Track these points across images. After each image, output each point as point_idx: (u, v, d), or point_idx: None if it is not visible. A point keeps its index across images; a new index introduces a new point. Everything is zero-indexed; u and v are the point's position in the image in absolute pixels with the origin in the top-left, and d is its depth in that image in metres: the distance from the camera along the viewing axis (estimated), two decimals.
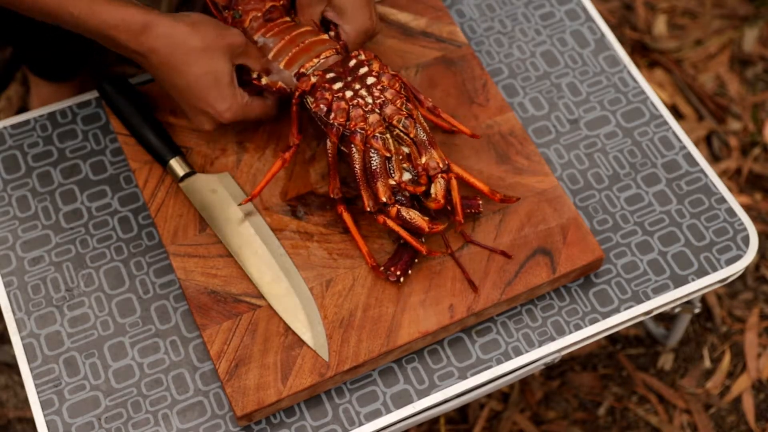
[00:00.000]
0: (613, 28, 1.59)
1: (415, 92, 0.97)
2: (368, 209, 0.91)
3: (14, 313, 0.95)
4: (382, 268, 0.93)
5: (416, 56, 1.07)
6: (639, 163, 1.04)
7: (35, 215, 1.00)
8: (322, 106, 0.92)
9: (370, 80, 0.93)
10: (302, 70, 0.94)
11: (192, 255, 0.95)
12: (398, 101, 0.92)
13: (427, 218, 0.91)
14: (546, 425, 1.28)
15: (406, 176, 0.91)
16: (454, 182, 0.92)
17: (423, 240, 0.94)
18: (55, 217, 1.00)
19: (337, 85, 0.93)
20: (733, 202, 1.02)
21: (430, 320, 0.92)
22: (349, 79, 0.93)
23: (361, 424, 0.91)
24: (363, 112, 0.92)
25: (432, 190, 0.91)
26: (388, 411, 0.91)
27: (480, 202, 0.96)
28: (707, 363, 1.34)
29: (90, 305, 0.96)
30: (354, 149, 0.91)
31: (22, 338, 0.94)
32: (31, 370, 0.93)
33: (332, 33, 0.98)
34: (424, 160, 0.91)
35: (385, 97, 0.93)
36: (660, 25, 1.62)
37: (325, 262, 0.95)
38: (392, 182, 0.91)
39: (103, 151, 1.04)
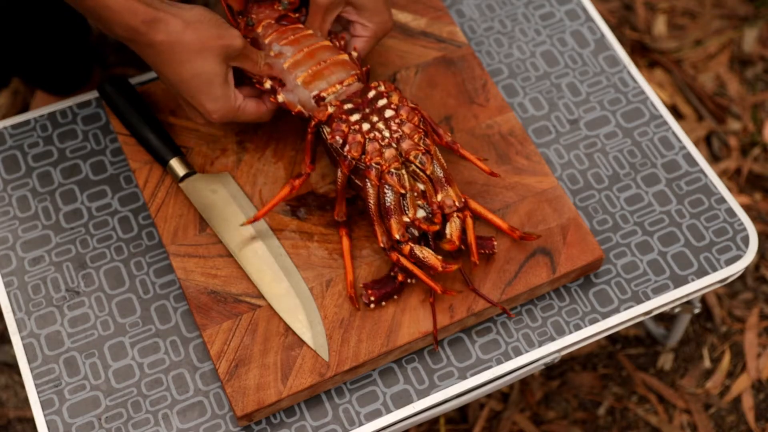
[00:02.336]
0: (613, 28, 1.59)
1: (434, 126, 0.95)
2: (381, 245, 0.90)
3: (14, 313, 0.95)
4: (362, 285, 0.92)
5: (416, 56, 1.07)
6: (639, 163, 1.04)
7: (35, 215, 1.00)
8: (338, 138, 0.91)
9: (389, 113, 0.92)
10: (323, 94, 0.93)
11: (192, 255, 0.95)
12: (416, 136, 0.91)
13: (440, 257, 0.89)
14: (546, 425, 1.29)
15: (421, 213, 0.90)
16: (469, 221, 0.90)
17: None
18: (56, 217, 1.00)
19: (354, 117, 0.92)
20: (733, 202, 1.02)
21: (430, 320, 0.92)
22: (368, 111, 0.92)
23: (361, 424, 0.91)
24: (379, 146, 0.90)
25: (447, 231, 0.90)
26: (388, 411, 0.91)
27: (495, 242, 0.94)
28: (707, 363, 1.34)
29: (90, 305, 0.96)
30: (368, 184, 0.90)
31: (22, 338, 0.94)
32: (32, 370, 0.93)
33: (342, 42, 0.97)
34: (440, 197, 0.90)
35: (402, 131, 0.91)
36: (660, 25, 1.62)
37: (325, 262, 0.95)
38: (406, 219, 0.89)
39: (103, 151, 1.04)
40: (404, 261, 0.89)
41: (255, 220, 0.94)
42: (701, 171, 1.04)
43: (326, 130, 0.92)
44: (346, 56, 0.95)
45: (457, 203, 0.90)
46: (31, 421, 1.29)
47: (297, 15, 0.99)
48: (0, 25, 1.13)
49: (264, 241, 0.95)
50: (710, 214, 1.02)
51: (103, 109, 1.07)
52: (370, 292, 0.91)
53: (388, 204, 0.89)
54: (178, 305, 0.96)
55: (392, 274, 0.92)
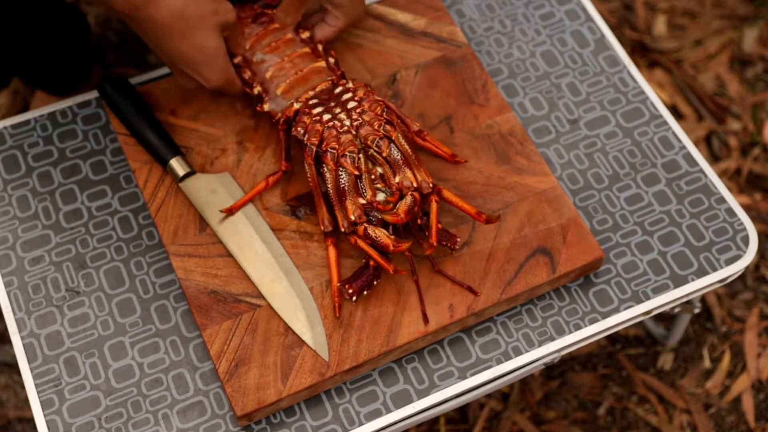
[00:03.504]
0: (613, 28, 1.59)
1: (402, 116, 0.97)
2: (343, 229, 0.91)
3: (14, 313, 0.95)
4: (339, 284, 0.92)
5: (416, 56, 1.07)
6: (639, 163, 1.04)
7: (35, 215, 1.00)
8: (300, 129, 0.94)
9: (351, 104, 0.95)
10: (299, 101, 0.96)
11: (192, 255, 0.95)
12: (376, 123, 0.93)
13: (393, 237, 0.90)
14: (546, 425, 1.29)
15: (380, 196, 0.91)
16: (434, 205, 0.91)
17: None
18: (56, 217, 1.00)
19: (317, 110, 0.94)
20: (733, 202, 1.02)
21: (430, 320, 0.92)
22: (332, 104, 0.95)
23: (361, 424, 0.91)
24: (336, 133, 0.92)
25: (397, 205, 0.91)
26: (388, 411, 0.91)
27: (458, 240, 0.93)
28: (707, 363, 1.34)
29: (90, 305, 0.96)
30: (325, 169, 0.91)
31: (22, 338, 0.94)
32: (31, 370, 0.93)
33: (307, 33, 1.00)
34: (397, 179, 0.91)
35: (362, 119, 0.93)
36: (660, 25, 1.62)
37: (325, 262, 0.95)
38: (363, 201, 0.90)
39: (103, 151, 1.04)
40: (361, 243, 0.91)
41: (230, 211, 0.96)
42: (701, 171, 1.04)
43: (294, 126, 0.95)
44: (323, 63, 0.98)
45: (414, 184, 0.91)
46: (31, 421, 1.29)
47: (272, 11, 1.01)
48: (2, 23, 1.13)
49: (264, 241, 0.95)
50: (710, 214, 1.02)
51: (103, 109, 1.07)
52: (347, 287, 0.91)
53: (342, 185, 0.91)
54: (178, 305, 0.96)
55: (365, 261, 0.93)
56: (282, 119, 0.96)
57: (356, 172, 0.91)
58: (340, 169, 0.91)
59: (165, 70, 1.10)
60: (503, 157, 1.01)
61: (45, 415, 0.90)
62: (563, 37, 1.13)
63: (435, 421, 1.28)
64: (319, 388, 0.91)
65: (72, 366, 0.93)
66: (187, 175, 0.98)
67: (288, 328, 0.92)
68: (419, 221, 0.93)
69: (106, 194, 1.02)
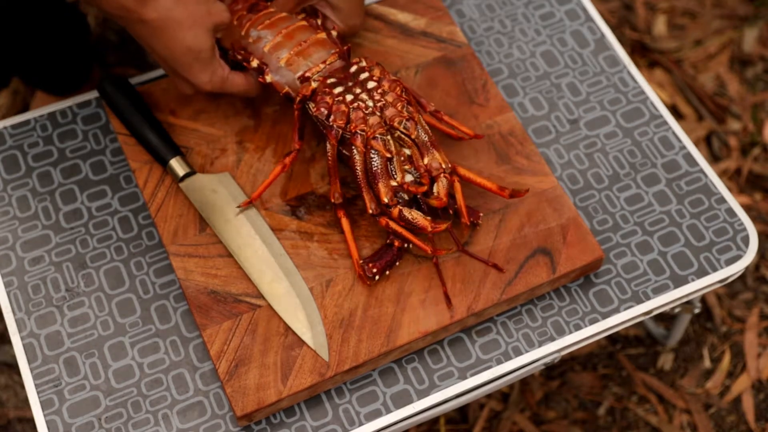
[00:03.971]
0: (613, 28, 1.59)
1: (417, 96, 0.97)
2: (370, 211, 0.91)
3: (14, 313, 0.95)
4: (361, 261, 0.93)
5: (416, 56, 1.07)
6: (639, 163, 1.04)
7: (35, 215, 1.00)
8: (322, 109, 0.93)
9: (371, 84, 0.94)
10: (307, 74, 0.95)
11: (192, 255, 0.95)
12: (399, 104, 0.93)
13: (429, 218, 0.90)
14: (546, 425, 1.29)
15: (409, 178, 0.91)
16: (457, 185, 0.92)
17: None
18: (55, 217, 1.00)
19: (338, 90, 0.94)
20: (733, 202, 1.02)
21: (430, 320, 0.92)
22: (350, 84, 0.94)
23: (361, 424, 0.91)
24: (363, 115, 0.92)
25: (434, 189, 0.91)
26: (388, 411, 0.91)
27: (481, 214, 0.95)
28: (707, 363, 1.34)
29: (90, 305, 0.96)
30: (355, 151, 0.91)
31: (22, 338, 0.94)
32: (31, 370, 0.93)
33: (319, 21, 1.00)
34: (426, 161, 0.91)
35: (385, 100, 0.93)
36: (660, 25, 1.62)
37: (325, 262, 0.95)
38: (394, 184, 0.90)
39: (103, 151, 1.04)
40: (393, 225, 0.91)
41: (250, 201, 0.96)
42: (701, 171, 1.04)
43: (311, 105, 0.94)
44: (323, 35, 0.98)
45: (443, 166, 0.91)
46: (31, 421, 1.29)
47: (268, 3, 1.01)
48: (2, 23, 1.13)
49: (264, 241, 0.95)
50: (710, 214, 1.02)
51: (103, 109, 1.07)
52: (371, 265, 0.92)
53: (375, 169, 0.90)
54: (178, 305, 0.96)
55: (388, 242, 0.93)
56: (298, 98, 0.95)
57: (388, 155, 0.91)
58: (372, 152, 0.91)
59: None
60: (503, 157, 1.01)
61: (45, 415, 0.90)
62: (563, 37, 1.13)
63: (435, 421, 1.28)
64: (319, 389, 0.91)
65: (72, 366, 0.93)
66: (187, 175, 0.98)
67: (288, 328, 0.92)
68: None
69: (106, 194, 1.02)
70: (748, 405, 1.31)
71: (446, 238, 0.96)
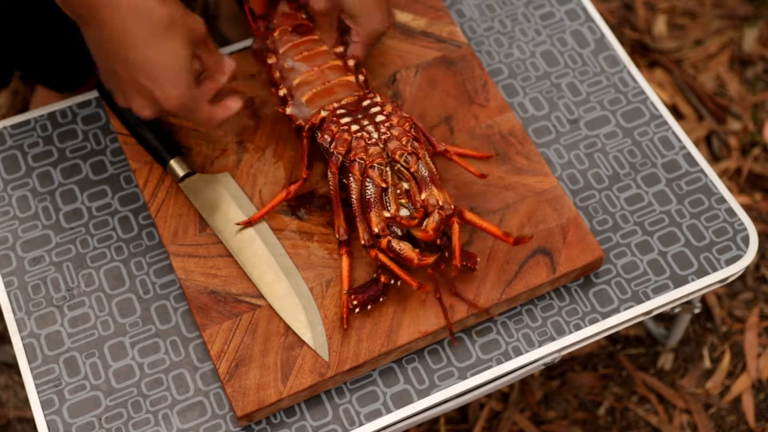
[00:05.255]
0: (613, 28, 1.59)
1: (427, 134, 0.96)
2: (363, 242, 0.90)
3: (14, 313, 0.95)
4: (347, 291, 0.91)
5: (416, 56, 1.07)
6: (639, 163, 1.04)
7: (35, 215, 1.00)
8: (326, 137, 0.93)
9: (379, 118, 0.94)
10: (322, 112, 0.95)
11: (192, 255, 0.95)
12: (404, 138, 0.92)
13: (417, 250, 0.89)
14: (546, 425, 1.29)
15: (404, 212, 0.90)
16: (456, 227, 0.90)
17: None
18: (56, 217, 1.00)
19: (345, 120, 0.93)
20: (733, 202, 1.02)
21: (430, 320, 0.92)
22: (360, 115, 0.94)
23: (361, 424, 0.91)
24: (365, 144, 0.92)
25: (424, 222, 0.90)
26: (388, 411, 0.91)
27: (478, 259, 0.93)
28: (707, 363, 1.34)
29: (90, 305, 0.96)
30: (352, 179, 0.91)
31: (22, 338, 0.94)
32: (32, 370, 0.93)
33: (341, 49, 0.99)
34: (423, 196, 0.90)
35: (391, 133, 0.93)
36: (660, 25, 1.62)
37: (325, 262, 0.95)
38: (387, 215, 0.89)
39: (103, 151, 1.04)
40: (382, 257, 0.89)
41: (251, 223, 0.95)
42: (701, 171, 1.04)
43: (318, 133, 0.94)
44: (352, 78, 0.97)
45: (440, 203, 0.90)
46: (31, 421, 1.29)
47: (312, 25, 1.00)
48: (3, 19, 1.13)
49: (264, 241, 0.95)
50: (710, 214, 1.02)
51: (103, 109, 1.07)
52: (353, 297, 0.91)
53: (368, 197, 0.90)
54: (178, 305, 0.96)
55: (375, 276, 0.92)
56: (307, 126, 0.95)
57: (383, 185, 0.90)
58: (367, 180, 0.90)
59: None
60: (503, 157, 1.01)
61: (45, 415, 0.90)
62: (563, 37, 1.13)
63: (435, 421, 1.28)
64: (320, 389, 0.91)
65: (72, 366, 0.93)
66: (186, 176, 0.98)
67: (288, 328, 0.92)
68: (439, 241, 0.92)
69: (106, 194, 1.02)
70: (748, 405, 1.31)
71: (460, 278, 0.95)
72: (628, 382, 1.32)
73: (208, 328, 0.92)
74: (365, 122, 0.94)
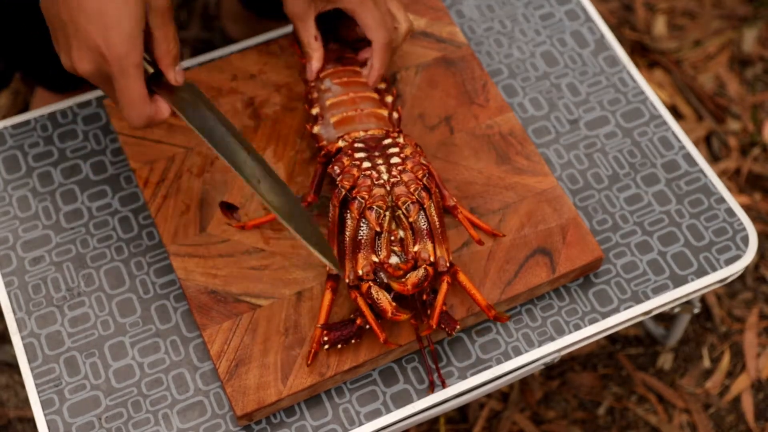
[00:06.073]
0: (613, 28, 1.59)
1: (441, 186, 0.94)
2: (347, 281, 0.88)
3: (15, 313, 0.95)
4: (321, 325, 0.89)
5: (416, 56, 1.07)
6: (638, 163, 1.05)
7: (36, 215, 1.00)
8: (336, 168, 0.92)
9: (395, 160, 0.92)
10: (345, 136, 0.94)
11: (192, 255, 0.95)
12: (413, 185, 0.90)
13: (394, 304, 0.86)
14: (546, 425, 1.29)
15: (394, 260, 0.88)
16: (444, 286, 0.88)
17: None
18: (56, 217, 1.00)
19: (359, 155, 0.92)
20: (733, 202, 1.02)
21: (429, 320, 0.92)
22: (376, 153, 0.92)
23: (361, 423, 0.91)
24: (371, 184, 0.90)
25: (408, 275, 0.87)
26: (388, 411, 0.91)
27: (458, 326, 0.89)
28: (707, 363, 1.34)
29: (90, 305, 0.96)
30: (348, 217, 0.89)
31: (22, 338, 0.94)
32: (32, 369, 0.93)
33: (383, 85, 0.99)
34: (416, 248, 0.88)
35: (401, 177, 0.91)
36: (659, 26, 1.62)
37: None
38: (375, 260, 0.88)
39: (103, 151, 1.04)
40: (360, 301, 0.87)
41: (243, 227, 0.95)
42: (701, 171, 1.04)
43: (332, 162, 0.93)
44: (384, 112, 0.97)
45: (432, 259, 0.87)
46: (31, 421, 1.29)
47: (354, 56, 1.01)
48: (3, 19, 1.13)
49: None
50: (710, 214, 1.02)
51: (104, 109, 1.07)
52: (326, 332, 0.89)
53: (360, 238, 0.88)
54: (178, 305, 0.96)
55: (352, 316, 0.90)
56: (323, 152, 0.94)
57: (377, 228, 0.88)
58: (363, 220, 0.88)
59: None
60: (503, 157, 1.02)
61: (45, 415, 0.91)
62: (563, 37, 1.13)
63: (435, 421, 1.28)
64: (319, 388, 0.91)
65: (72, 366, 0.93)
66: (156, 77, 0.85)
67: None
68: (425, 296, 0.89)
69: (106, 194, 1.02)
70: (748, 405, 1.31)
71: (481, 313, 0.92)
72: (627, 382, 1.32)
73: (208, 328, 0.92)
74: (379, 161, 0.92)
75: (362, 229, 0.88)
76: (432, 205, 0.90)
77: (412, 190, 0.90)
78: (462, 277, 0.90)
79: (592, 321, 0.96)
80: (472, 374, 0.93)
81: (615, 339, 1.35)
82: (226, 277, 0.94)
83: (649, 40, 1.59)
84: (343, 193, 0.90)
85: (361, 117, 0.95)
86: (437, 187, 0.94)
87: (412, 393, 0.92)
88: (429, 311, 0.89)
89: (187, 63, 1.09)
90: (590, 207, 1.02)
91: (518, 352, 0.94)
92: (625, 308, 0.97)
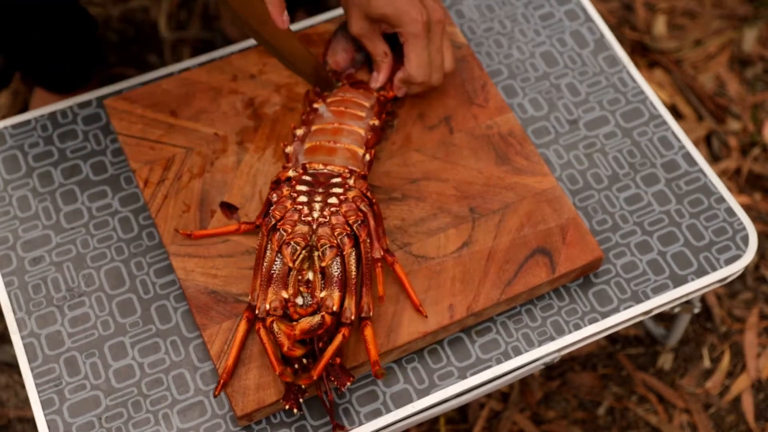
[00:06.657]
0: (613, 28, 1.59)
1: (374, 237, 0.91)
2: (257, 312, 0.87)
3: (15, 313, 0.95)
4: (231, 365, 0.88)
5: None
6: (638, 163, 1.05)
7: (36, 215, 1.00)
8: (274, 195, 0.93)
9: (332, 200, 0.91)
10: (305, 163, 0.94)
11: (192, 255, 0.96)
12: (338, 229, 0.89)
13: (290, 341, 0.84)
14: (546, 425, 1.29)
15: (299, 300, 0.87)
16: (338, 338, 0.85)
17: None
18: (56, 217, 1.00)
19: (301, 187, 0.92)
20: (733, 202, 1.02)
21: (430, 320, 0.92)
22: (320, 190, 0.92)
23: (361, 423, 0.91)
24: (297, 218, 0.90)
25: (299, 320, 0.85)
26: (388, 411, 0.91)
27: (348, 384, 0.86)
28: (707, 363, 1.34)
29: (90, 305, 0.96)
30: (269, 247, 0.89)
31: (22, 338, 0.94)
32: (32, 369, 0.93)
33: (376, 122, 0.99)
34: (322, 294, 0.86)
35: (330, 219, 0.90)
36: (660, 26, 1.62)
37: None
38: (285, 296, 0.87)
39: (103, 151, 1.04)
40: (263, 333, 0.86)
41: (189, 236, 0.95)
42: (701, 171, 1.04)
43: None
44: (360, 150, 0.96)
45: (335, 308, 0.85)
46: (31, 421, 1.29)
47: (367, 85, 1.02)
48: (3, 19, 1.13)
49: None
50: (710, 214, 1.02)
51: (104, 109, 1.07)
52: (285, 403, 0.86)
53: (272, 272, 0.88)
54: (179, 305, 0.96)
55: (324, 390, 0.88)
56: (274, 178, 0.95)
57: (290, 264, 0.87)
58: (279, 254, 0.88)
59: (165, 71, 1.10)
60: (503, 158, 1.02)
61: (45, 415, 0.91)
62: (563, 37, 1.13)
63: (435, 421, 1.28)
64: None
65: (72, 366, 0.93)
66: None
67: None
68: (321, 344, 0.86)
69: (106, 194, 1.02)
70: (748, 405, 1.31)
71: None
72: (627, 382, 1.32)
73: (208, 328, 0.92)
74: (317, 198, 0.91)
75: (277, 263, 0.88)
76: (353, 253, 0.88)
77: (336, 233, 0.89)
78: (368, 332, 0.87)
79: (592, 321, 0.96)
80: (472, 374, 0.93)
81: (615, 339, 1.35)
82: (226, 278, 0.94)
83: (649, 40, 1.60)
84: (272, 222, 0.90)
85: (332, 150, 0.95)
86: (369, 236, 0.91)
87: (412, 393, 0.92)
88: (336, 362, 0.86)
89: (187, 63, 1.09)
90: (590, 207, 1.02)
91: (518, 352, 0.94)
92: (625, 308, 0.97)
